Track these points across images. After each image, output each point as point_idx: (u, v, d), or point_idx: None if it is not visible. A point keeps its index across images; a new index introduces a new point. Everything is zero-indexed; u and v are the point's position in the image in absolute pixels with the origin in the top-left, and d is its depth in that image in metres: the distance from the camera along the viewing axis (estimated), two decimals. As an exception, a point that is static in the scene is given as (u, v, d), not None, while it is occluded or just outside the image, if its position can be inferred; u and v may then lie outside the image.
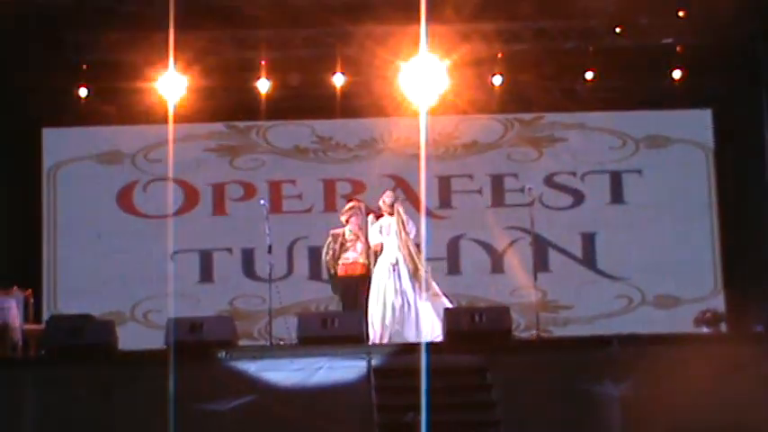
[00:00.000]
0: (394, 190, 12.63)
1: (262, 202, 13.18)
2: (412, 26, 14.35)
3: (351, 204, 12.71)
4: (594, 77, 16.22)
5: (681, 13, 15.21)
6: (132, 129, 16.59)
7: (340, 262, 12.31)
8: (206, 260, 16.54)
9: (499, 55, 15.80)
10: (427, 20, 13.59)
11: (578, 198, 16.77)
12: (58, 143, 16.71)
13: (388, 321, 11.81)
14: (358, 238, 12.30)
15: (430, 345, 10.83)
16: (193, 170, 16.67)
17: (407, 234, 12.01)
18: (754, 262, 16.00)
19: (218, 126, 16.84)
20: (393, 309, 11.85)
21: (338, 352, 10.68)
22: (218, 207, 16.71)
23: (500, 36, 15.59)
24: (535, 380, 10.55)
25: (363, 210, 12.54)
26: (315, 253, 15.52)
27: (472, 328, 11.00)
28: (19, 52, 15.17)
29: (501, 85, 16.15)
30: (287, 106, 16.57)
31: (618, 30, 15.46)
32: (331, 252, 12.36)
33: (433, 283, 12.12)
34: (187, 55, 15.32)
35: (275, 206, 16.18)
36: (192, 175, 16.66)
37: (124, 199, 16.65)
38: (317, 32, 15.58)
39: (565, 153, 16.85)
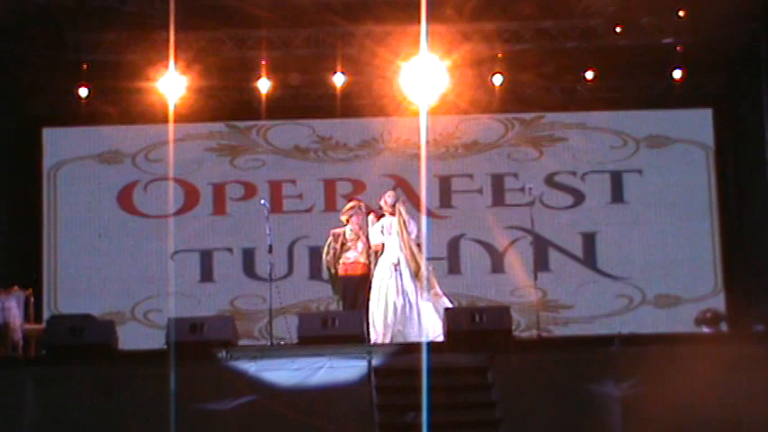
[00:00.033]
0: (395, 190, 12.62)
1: (262, 201, 13.18)
2: (412, 26, 14.36)
3: (351, 204, 12.70)
4: (595, 77, 16.24)
5: (681, 13, 15.21)
6: (133, 128, 16.60)
7: (341, 261, 12.30)
8: (206, 260, 16.54)
9: (499, 55, 15.80)
10: (428, 20, 13.59)
11: (579, 198, 16.77)
12: (58, 143, 16.71)
13: (389, 321, 11.81)
14: (359, 237, 12.29)
15: (430, 344, 10.83)
16: (194, 170, 16.67)
17: (409, 234, 12.00)
18: (754, 261, 16.01)
19: (219, 126, 16.84)
20: (395, 309, 11.84)
21: (339, 352, 10.67)
22: (219, 207, 16.71)
23: (500, 36, 15.59)
24: (535, 379, 10.55)
25: (364, 209, 12.53)
26: (315, 253, 15.54)
27: (472, 328, 10.99)
28: (20, 52, 15.17)
29: (501, 85, 16.15)
30: (287, 106, 16.59)
31: (618, 29, 15.45)
32: (332, 252, 12.35)
33: (436, 283, 12.11)
34: (187, 55, 15.33)
35: (276, 206, 16.19)
36: (192, 174, 16.66)
37: (125, 199, 16.65)
38: (317, 32, 15.59)
39: (565, 153, 16.84)
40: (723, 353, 10.67)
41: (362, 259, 12.27)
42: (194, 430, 10.31)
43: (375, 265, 12.15)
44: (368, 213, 12.45)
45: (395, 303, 11.86)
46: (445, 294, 12.19)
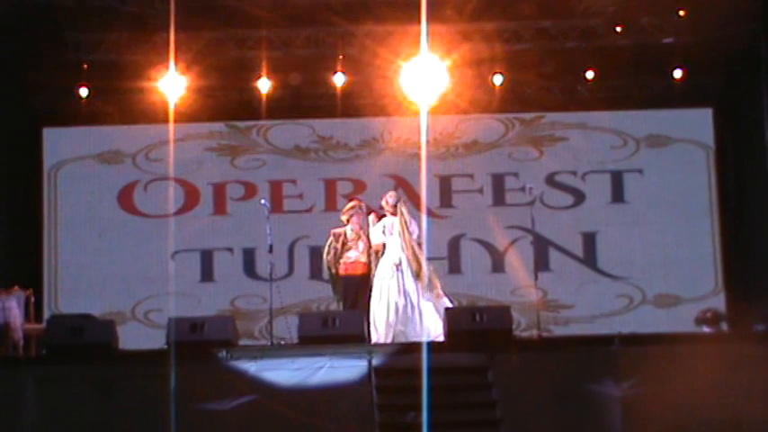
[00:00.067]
0: (396, 190, 12.61)
1: (262, 201, 13.18)
2: (412, 26, 14.37)
3: (352, 204, 12.69)
4: (595, 77, 16.24)
5: (681, 13, 15.22)
6: (133, 128, 16.61)
7: (341, 261, 12.29)
8: (207, 260, 16.54)
9: (500, 54, 15.80)
10: (428, 19, 13.60)
11: (579, 197, 16.77)
12: (58, 143, 16.71)
13: (391, 321, 11.80)
14: (359, 237, 12.29)
15: (431, 344, 10.83)
16: (194, 170, 16.67)
17: (410, 234, 11.99)
18: (754, 261, 16.01)
19: (219, 126, 16.84)
20: (396, 309, 11.83)
21: (339, 351, 10.67)
22: (219, 207, 16.71)
23: (501, 36, 15.60)
24: (536, 379, 10.54)
25: (364, 209, 12.53)
26: (316, 252, 15.53)
27: (473, 328, 10.99)
28: (20, 52, 15.17)
29: (502, 85, 16.16)
30: (287, 106, 16.60)
31: (618, 29, 15.46)
32: (333, 251, 12.34)
33: (438, 283, 12.11)
34: (188, 55, 15.34)
35: (276, 206, 16.19)
36: (192, 174, 16.67)
37: (125, 198, 16.65)
38: (317, 32, 15.60)
39: (565, 152, 16.84)
40: (723, 353, 10.67)
41: (363, 259, 12.26)
42: (195, 430, 10.30)
43: (376, 264, 12.15)
44: (368, 213, 12.44)
45: (396, 304, 11.85)
46: (445, 294, 12.19)
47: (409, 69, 15.13)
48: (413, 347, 10.83)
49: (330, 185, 16.70)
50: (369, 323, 11.64)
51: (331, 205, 16.39)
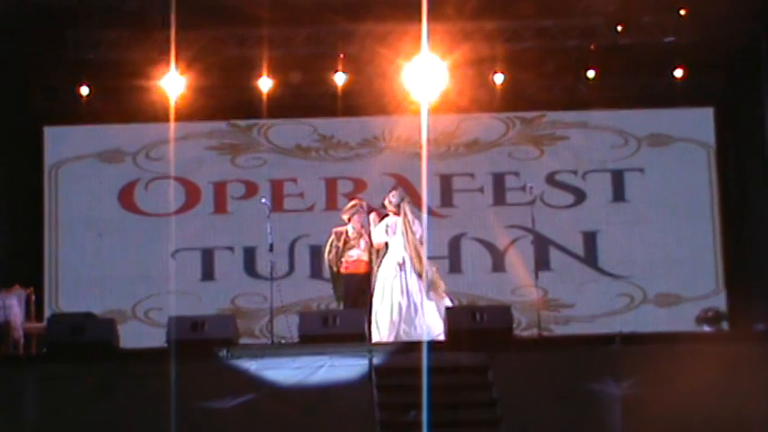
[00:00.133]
0: (397, 189, 12.61)
1: (263, 200, 13.18)
2: (413, 25, 14.35)
3: (353, 203, 12.69)
4: (596, 76, 16.24)
5: (682, 12, 15.20)
6: (134, 127, 16.61)
7: (343, 259, 12.29)
8: (207, 258, 16.55)
9: (500, 54, 15.80)
10: (428, 18, 13.59)
11: (580, 197, 16.77)
12: (59, 141, 16.72)
13: (394, 321, 11.79)
14: (361, 236, 12.29)
15: (431, 343, 10.83)
16: (195, 168, 16.68)
17: (413, 234, 11.98)
18: (755, 260, 16.00)
19: (220, 124, 16.85)
20: (399, 308, 11.82)
21: (339, 350, 10.67)
22: (220, 205, 16.71)
23: (501, 35, 15.60)
24: (536, 378, 10.54)
25: (365, 208, 12.53)
26: (316, 251, 15.56)
27: (473, 327, 10.98)
28: (20, 51, 15.18)
29: (502, 84, 16.17)
30: (288, 105, 16.58)
31: (619, 28, 15.46)
32: (334, 250, 12.34)
33: (442, 283, 12.10)
34: (188, 53, 15.34)
35: (277, 205, 16.20)
36: (193, 173, 16.67)
37: (126, 197, 16.65)
38: (318, 31, 15.60)
39: (566, 151, 16.84)
40: (724, 352, 10.67)
41: (365, 257, 12.26)
42: (195, 429, 10.31)
43: (377, 263, 12.14)
44: (369, 212, 12.44)
45: (400, 303, 11.84)
46: (446, 293, 12.19)
47: (410, 68, 15.13)
48: (413, 346, 10.82)
49: (331, 184, 16.70)
50: (369, 322, 11.64)
51: (332, 204, 16.39)
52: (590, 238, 16.68)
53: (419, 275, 11.89)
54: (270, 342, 12.59)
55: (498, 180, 16.77)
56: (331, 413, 10.38)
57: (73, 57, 15.50)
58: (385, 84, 16.03)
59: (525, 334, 14.78)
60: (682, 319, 15.53)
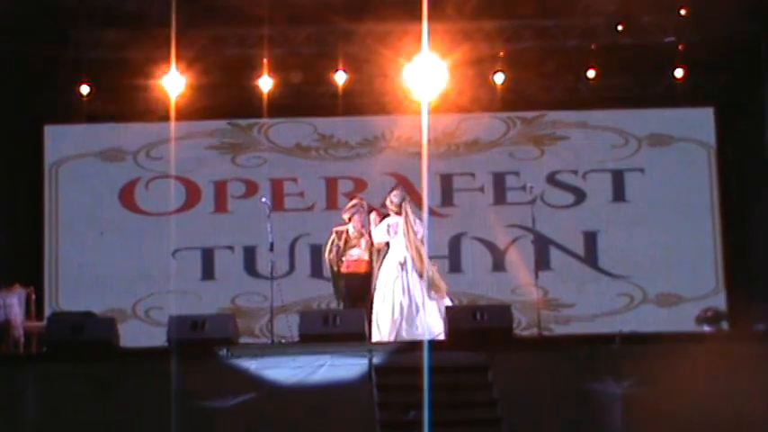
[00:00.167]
0: (398, 189, 12.61)
1: (263, 199, 13.16)
2: (414, 24, 14.37)
3: (353, 202, 12.69)
4: (596, 76, 16.24)
5: (683, 12, 15.21)
6: (134, 126, 16.62)
7: (344, 259, 12.29)
8: (208, 258, 16.55)
9: (501, 53, 15.81)
10: (429, 18, 13.60)
11: (580, 196, 16.77)
12: (60, 140, 16.72)
13: (396, 320, 11.79)
14: (362, 235, 12.29)
15: (431, 343, 10.82)
16: (195, 168, 16.68)
17: (415, 234, 11.98)
18: (755, 260, 16.01)
19: (220, 124, 16.85)
20: (401, 308, 11.81)
21: (340, 350, 10.66)
22: (220, 205, 16.71)
23: (502, 34, 15.61)
24: (536, 378, 10.54)
25: (366, 207, 12.53)
26: (316, 251, 15.57)
27: (473, 327, 10.97)
28: (21, 50, 15.18)
29: (503, 84, 16.18)
30: (289, 104, 16.58)
31: (620, 28, 15.47)
32: (335, 249, 12.33)
33: (442, 284, 12.09)
34: (189, 53, 15.35)
35: (277, 204, 16.20)
36: (193, 172, 16.67)
37: (126, 196, 16.65)
38: (318, 30, 15.60)
39: (566, 151, 16.85)
40: (724, 352, 10.67)
41: (366, 257, 12.26)
42: (195, 428, 10.31)
43: (378, 262, 12.14)
44: (370, 212, 12.44)
45: (401, 303, 11.83)
46: (447, 293, 12.18)
47: (410, 68, 15.13)
48: (413, 346, 10.82)
49: (331, 184, 16.71)
50: (370, 321, 11.64)
51: (332, 204, 16.40)
52: (590, 238, 16.68)
53: (420, 275, 11.89)
54: (270, 341, 12.58)
55: (498, 180, 16.77)
56: (331, 413, 10.37)
57: (74, 56, 15.51)
58: (385, 83, 16.04)
59: (525, 333, 14.77)
60: (682, 319, 15.53)
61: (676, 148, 16.82)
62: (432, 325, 11.74)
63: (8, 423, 10.41)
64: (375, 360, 10.57)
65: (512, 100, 16.64)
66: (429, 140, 16.11)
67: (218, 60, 15.78)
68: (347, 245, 12.29)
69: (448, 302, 11.96)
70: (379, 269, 12.09)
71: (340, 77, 15.91)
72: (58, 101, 16.39)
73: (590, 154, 16.83)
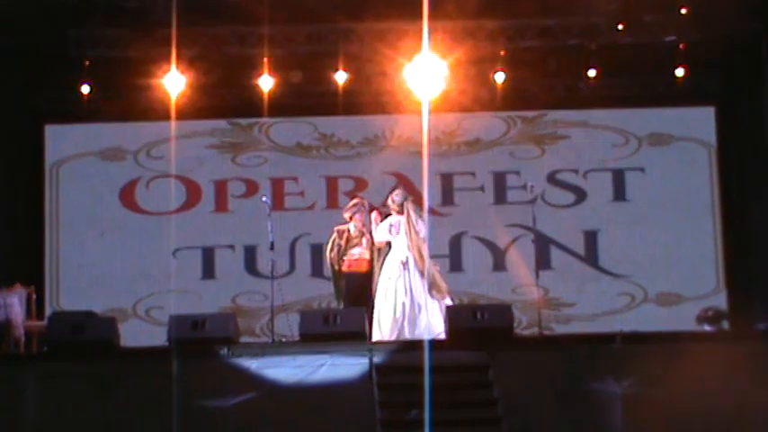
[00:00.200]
0: (399, 188, 12.60)
1: (264, 199, 13.15)
2: (414, 23, 14.35)
3: (354, 201, 12.70)
4: (597, 75, 16.22)
5: (683, 11, 15.20)
6: (135, 125, 16.61)
7: (345, 258, 12.29)
8: (208, 257, 16.55)
9: (501, 52, 15.80)
10: (430, 17, 13.58)
11: (581, 196, 16.77)
12: (60, 140, 16.72)
13: (398, 319, 11.79)
14: (363, 234, 12.30)
15: (432, 342, 10.83)
16: (196, 167, 16.68)
17: (417, 233, 11.98)
18: (756, 260, 16.00)
19: (221, 123, 16.85)
20: (403, 307, 11.82)
21: (340, 349, 10.67)
22: (221, 204, 16.71)
23: (502, 33, 15.60)
24: (537, 377, 10.54)
25: (366, 207, 12.53)
26: (317, 250, 15.58)
27: (474, 326, 10.98)
28: (22, 49, 15.17)
29: (503, 83, 16.16)
30: (289, 103, 16.58)
31: (620, 27, 15.45)
32: (336, 248, 12.34)
33: (443, 285, 12.09)
34: (189, 52, 15.35)
35: (277, 203, 16.21)
36: (194, 171, 16.67)
37: (127, 196, 16.65)
38: (319, 29, 15.60)
39: (567, 150, 16.84)
40: (725, 351, 10.68)
41: (367, 256, 12.27)
42: (196, 427, 10.31)
43: (379, 262, 12.14)
44: (370, 211, 12.44)
45: (403, 302, 11.84)
46: (448, 293, 12.18)
47: (411, 67, 15.12)
48: (414, 345, 10.83)
49: (332, 183, 16.71)
50: (370, 321, 11.64)
51: (332, 203, 16.40)
52: (591, 238, 16.68)
53: (422, 275, 11.89)
54: (270, 341, 12.58)
55: (499, 179, 16.77)
56: (332, 412, 10.38)
57: (74, 55, 15.51)
58: (386, 82, 16.03)
59: (526, 333, 14.76)
60: (682, 319, 15.52)
61: (677, 148, 16.82)
62: (433, 324, 11.74)
63: (9, 422, 10.41)
64: (376, 359, 10.58)
65: (512, 99, 16.63)
66: (429, 140, 16.11)
67: (218, 59, 15.78)
68: (348, 244, 12.30)
69: (449, 302, 11.96)
70: (380, 268, 12.10)
71: (340, 76, 15.90)
72: (59, 100, 16.39)
73: (590, 153, 16.82)
